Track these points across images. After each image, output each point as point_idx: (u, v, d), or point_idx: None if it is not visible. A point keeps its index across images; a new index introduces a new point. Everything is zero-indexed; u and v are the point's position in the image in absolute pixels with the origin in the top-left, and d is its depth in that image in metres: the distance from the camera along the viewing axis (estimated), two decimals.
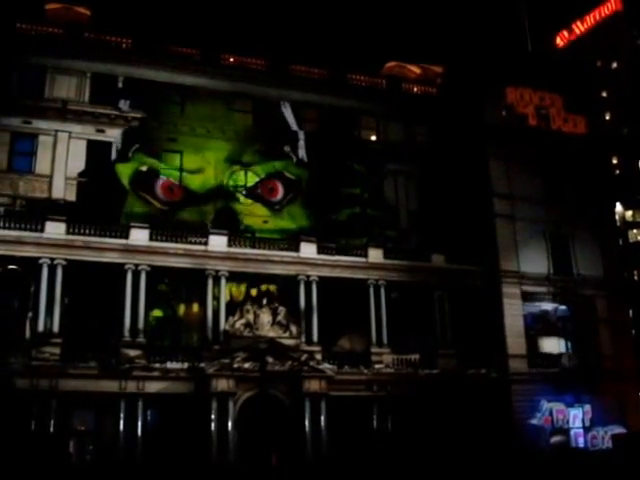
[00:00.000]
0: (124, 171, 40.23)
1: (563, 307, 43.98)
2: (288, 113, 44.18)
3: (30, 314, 35.45)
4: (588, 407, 41.85)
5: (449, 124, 46.61)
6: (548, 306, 43.58)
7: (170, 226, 38.90)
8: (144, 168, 40.68)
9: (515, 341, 42.16)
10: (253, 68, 44.79)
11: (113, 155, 40.56)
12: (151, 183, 40.65)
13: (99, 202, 38.52)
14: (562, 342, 43.74)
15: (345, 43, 52.00)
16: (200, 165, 42.07)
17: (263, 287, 39.60)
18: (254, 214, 42.15)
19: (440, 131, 46.97)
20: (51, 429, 33.28)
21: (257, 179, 43.06)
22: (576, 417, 41.75)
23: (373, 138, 47.10)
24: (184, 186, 41.40)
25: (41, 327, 34.85)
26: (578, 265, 44.94)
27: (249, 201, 42.48)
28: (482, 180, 44.69)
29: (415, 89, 48.50)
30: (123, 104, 41.13)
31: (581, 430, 41.77)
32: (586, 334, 44.20)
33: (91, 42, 42.20)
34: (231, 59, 44.73)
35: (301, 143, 43.70)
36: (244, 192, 42.61)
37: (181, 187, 41.33)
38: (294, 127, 44.13)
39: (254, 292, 39.53)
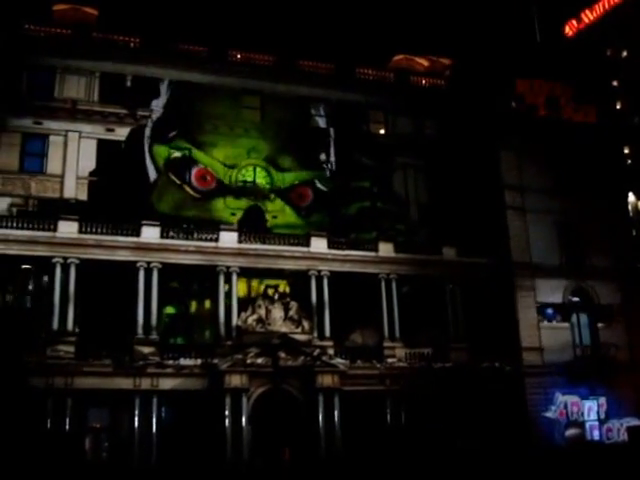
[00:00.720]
0: (161, 153, 40.71)
1: (576, 298, 43.73)
2: (318, 112, 44.28)
3: (44, 313, 35.72)
4: (603, 399, 41.62)
5: (458, 116, 46.36)
6: (560, 298, 43.30)
7: (200, 215, 40.05)
8: (179, 154, 41.18)
9: (528, 333, 41.98)
10: (261, 64, 44.85)
11: (147, 137, 40.86)
12: (185, 169, 41.11)
13: (111, 200, 38.72)
14: (576, 334, 43.45)
15: (352, 37, 51.85)
16: (235, 159, 42.60)
17: (274, 282, 39.78)
18: (281, 216, 42.47)
19: (449, 124, 46.75)
20: (67, 427, 33.49)
21: (289, 184, 43.33)
22: (591, 409, 41.52)
23: (382, 132, 47.04)
24: (218, 177, 41.71)
25: (55, 326, 35.08)
26: (591, 256, 44.59)
27: (279, 203, 42.61)
28: (492, 172, 44.43)
29: (424, 82, 48.35)
30: (155, 104, 41.33)
31: (596, 423, 41.55)
32: (599, 326, 43.90)
33: (99, 42, 42.42)
34: (238, 56, 44.82)
35: (331, 141, 43.75)
36: (276, 193, 42.81)
37: (215, 177, 41.59)
38: (323, 125, 44.19)
39: (266, 288, 39.69)
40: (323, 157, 43.90)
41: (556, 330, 42.57)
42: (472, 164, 45.15)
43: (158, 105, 41.71)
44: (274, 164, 43.37)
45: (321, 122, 44.79)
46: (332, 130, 44.38)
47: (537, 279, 42.93)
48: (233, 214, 41.47)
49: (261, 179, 43.33)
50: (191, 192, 41.09)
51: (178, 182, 40.93)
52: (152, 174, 40.55)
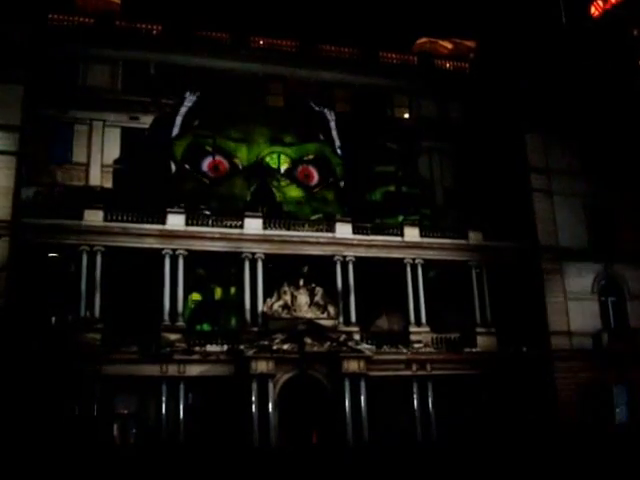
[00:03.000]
0: (180, 145, 40.65)
1: (604, 282, 43.20)
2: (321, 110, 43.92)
3: (71, 301, 35.96)
4: (631, 383, 41.16)
5: (483, 99, 46.03)
6: (589, 281, 42.80)
7: (213, 201, 39.70)
8: (198, 144, 41.05)
9: (556, 317, 41.52)
10: (283, 50, 44.79)
11: (175, 132, 40.87)
12: (200, 160, 40.93)
13: (135, 188, 38.84)
14: (605, 318, 42.91)
15: (375, 21, 51.59)
16: (259, 147, 42.54)
17: (300, 268, 39.72)
18: (290, 196, 42.15)
19: (474, 106, 46.40)
20: (95, 413, 33.73)
21: (293, 160, 43.02)
22: (619, 393, 41.14)
23: (406, 116, 46.75)
24: (229, 162, 41.60)
25: (82, 313, 35.32)
26: (621, 239, 43.89)
27: (286, 182, 42.38)
28: (518, 155, 43.84)
29: (447, 65, 47.97)
30: (189, 95, 41.23)
31: (624, 406, 41.18)
32: (629, 310, 43.31)
33: (122, 30, 42.58)
34: (261, 42, 44.77)
35: (332, 125, 43.44)
36: (282, 172, 42.58)
37: (226, 163, 41.50)
38: (326, 113, 43.76)
39: (291, 273, 39.67)
40: (322, 137, 43.27)
41: (585, 314, 42.02)
42: (498, 147, 44.75)
43: (193, 97, 41.53)
44: (280, 142, 43.11)
45: (315, 105, 44.22)
46: (331, 113, 43.77)
47: (565, 263, 42.41)
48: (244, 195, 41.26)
49: (288, 137, 43.21)
50: (204, 180, 40.93)
51: (192, 172, 40.79)
52: (173, 167, 40.48)
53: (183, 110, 41.24)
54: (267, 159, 42.70)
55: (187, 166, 40.62)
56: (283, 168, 42.78)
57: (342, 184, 42.74)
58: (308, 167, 42.89)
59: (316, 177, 42.88)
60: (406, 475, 33.17)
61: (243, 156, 42.08)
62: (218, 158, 41.20)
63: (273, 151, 42.84)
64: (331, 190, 42.61)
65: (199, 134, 41.34)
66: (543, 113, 44.01)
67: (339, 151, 42.82)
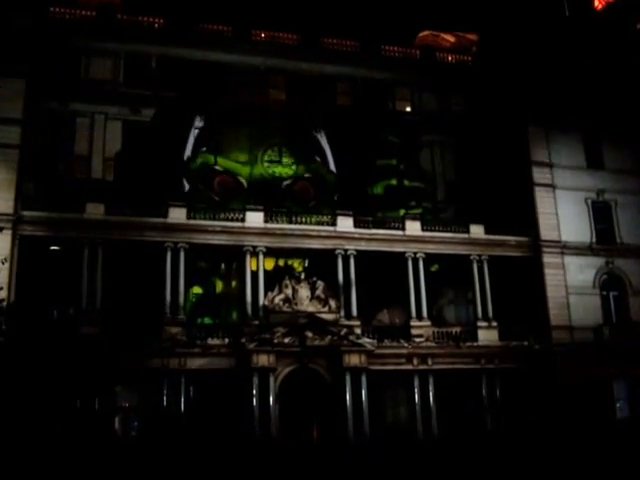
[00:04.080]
0: (192, 168, 41.01)
1: (606, 276, 43.15)
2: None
3: (72, 294, 36.00)
4: (632, 379, 41.15)
5: (485, 92, 45.97)
6: (591, 275, 42.75)
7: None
8: (207, 166, 41.30)
9: (558, 312, 41.53)
10: (285, 43, 44.74)
11: (187, 154, 41.03)
12: (211, 179, 41.10)
13: (137, 181, 38.87)
14: (606, 312, 42.88)
15: (377, 14, 51.40)
16: (262, 141, 42.82)
17: (301, 262, 39.74)
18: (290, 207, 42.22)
19: (476, 100, 46.36)
20: (96, 406, 33.80)
21: (291, 176, 43.19)
22: (619, 388, 41.14)
23: (408, 109, 46.69)
24: (236, 180, 41.75)
25: (84, 306, 35.28)
26: (622, 233, 43.96)
27: (285, 200, 42.47)
28: (520, 148, 43.78)
29: (450, 58, 47.84)
30: (198, 121, 41.23)
31: (625, 402, 41.18)
32: (630, 304, 43.28)
33: (123, 23, 42.59)
34: (262, 35, 44.72)
35: (327, 147, 43.29)
36: (282, 187, 42.70)
37: (234, 181, 41.65)
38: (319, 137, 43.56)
39: (293, 266, 39.68)
40: (318, 159, 43.21)
41: (586, 308, 42.01)
42: (500, 140, 44.72)
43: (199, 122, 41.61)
44: (279, 163, 43.36)
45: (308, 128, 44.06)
46: (322, 135, 43.50)
47: (567, 257, 42.41)
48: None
49: (286, 159, 43.27)
50: (214, 197, 41.03)
51: (205, 191, 40.93)
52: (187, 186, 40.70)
53: (197, 126, 41.27)
54: (268, 178, 42.79)
55: (201, 186, 40.74)
56: (283, 185, 42.85)
57: (339, 182, 42.88)
58: (305, 184, 42.88)
59: (312, 193, 42.86)
60: (407, 469, 33.24)
61: (246, 176, 42.23)
62: (225, 177, 41.26)
63: (274, 171, 42.96)
64: (327, 205, 42.42)
65: (206, 158, 41.44)
66: (546, 106, 43.94)
67: (334, 169, 42.73)
